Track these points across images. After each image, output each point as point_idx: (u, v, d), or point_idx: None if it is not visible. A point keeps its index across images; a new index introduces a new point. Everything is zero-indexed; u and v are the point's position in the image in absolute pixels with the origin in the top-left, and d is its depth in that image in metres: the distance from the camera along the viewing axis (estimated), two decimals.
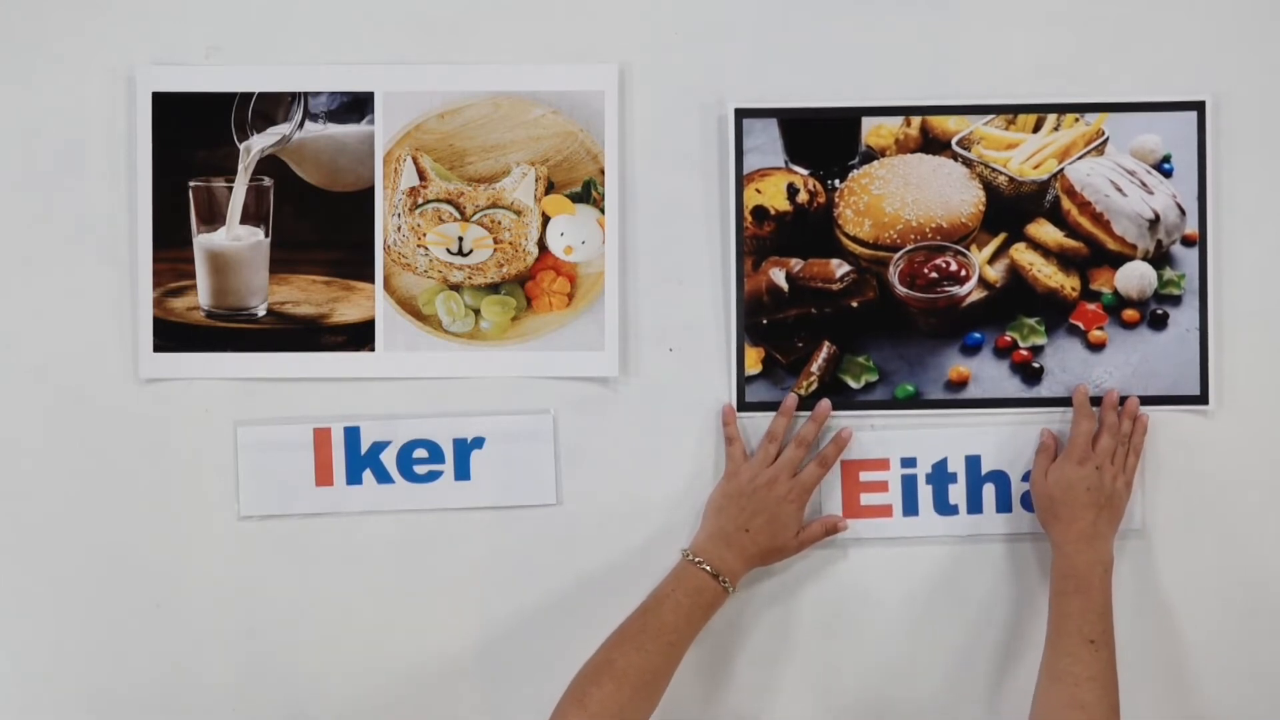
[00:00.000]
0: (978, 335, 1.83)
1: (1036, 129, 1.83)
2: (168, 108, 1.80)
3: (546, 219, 1.82)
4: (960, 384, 1.82)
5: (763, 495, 1.73)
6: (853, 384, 1.82)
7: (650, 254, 1.82)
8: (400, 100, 1.81)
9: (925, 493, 1.83)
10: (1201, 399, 1.82)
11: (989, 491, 1.83)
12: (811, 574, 1.82)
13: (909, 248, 1.82)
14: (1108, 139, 1.82)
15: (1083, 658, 1.62)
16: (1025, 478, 1.81)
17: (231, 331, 1.82)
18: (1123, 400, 1.79)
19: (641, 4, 1.81)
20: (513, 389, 1.82)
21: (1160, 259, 1.82)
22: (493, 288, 1.83)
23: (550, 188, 1.82)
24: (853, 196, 1.83)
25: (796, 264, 1.82)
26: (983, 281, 1.82)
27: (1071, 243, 1.82)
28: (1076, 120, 1.82)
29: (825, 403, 1.79)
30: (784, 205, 1.82)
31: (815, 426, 1.78)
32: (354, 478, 1.82)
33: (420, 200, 1.81)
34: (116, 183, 1.81)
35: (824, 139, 1.83)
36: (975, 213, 1.83)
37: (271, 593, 1.83)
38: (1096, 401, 1.80)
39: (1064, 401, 1.81)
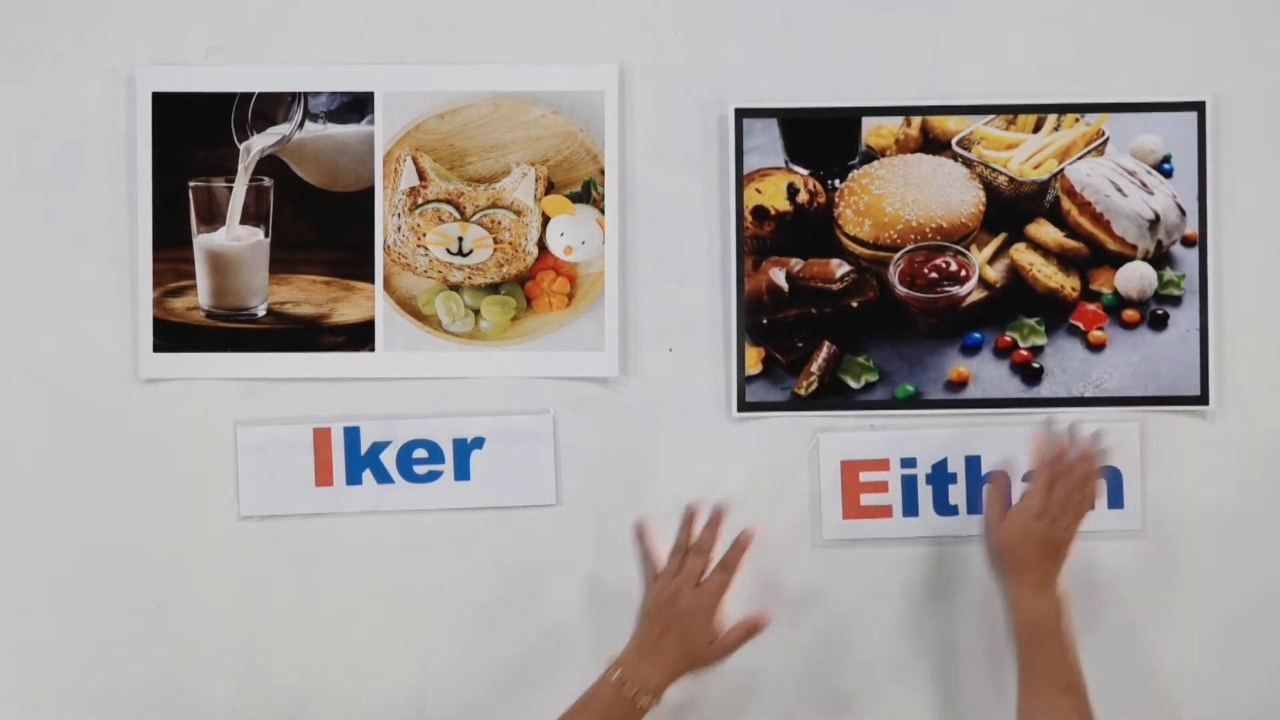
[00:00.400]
0: (978, 335, 1.83)
1: (1036, 129, 1.83)
2: (168, 108, 1.80)
3: (546, 219, 1.82)
4: (960, 384, 1.82)
5: (669, 611, 1.67)
6: (853, 384, 1.82)
7: (650, 254, 1.82)
8: (400, 100, 1.81)
9: (925, 493, 1.83)
10: (1201, 399, 1.82)
11: None
12: (811, 574, 1.82)
13: (909, 248, 1.82)
14: (1108, 139, 1.82)
15: (1061, 706, 1.62)
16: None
17: (231, 331, 1.82)
18: (1073, 431, 1.75)
19: (641, 4, 1.81)
20: (513, 389, 1.82)
21: (1160, 259, 1.82)
22: (493, 288, 1.83)
23: (550, 188, 1.82)
24: (853, 196, 1.83)
25: (796, 264, 1.83)
26: (983, 281, 1.82)
27: (1071, 243, 1.82)
28: (1076, 120, 1.82)
29: (720, 509, 1.72)
30: (784, 205, 1.82)
31: (712, 534, 1.71)
32: (354, 478, 1.82)
33: (420, 200, 1.81)
34: (116, 183, 1.81)
35: (824, 139, 1.83)
36: (975, 213, 1.83)
37: (271, 593, 1.83)
38: (1096, 402, 1.80)
39: (1064, 402, 1.81)
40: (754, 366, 1.82)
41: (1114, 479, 1.82)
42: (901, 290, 1.82)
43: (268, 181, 1.82)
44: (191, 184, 1.81)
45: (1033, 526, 1.68)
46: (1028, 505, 1.70)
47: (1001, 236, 1.83)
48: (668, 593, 1.68)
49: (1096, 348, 1.82)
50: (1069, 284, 1.82)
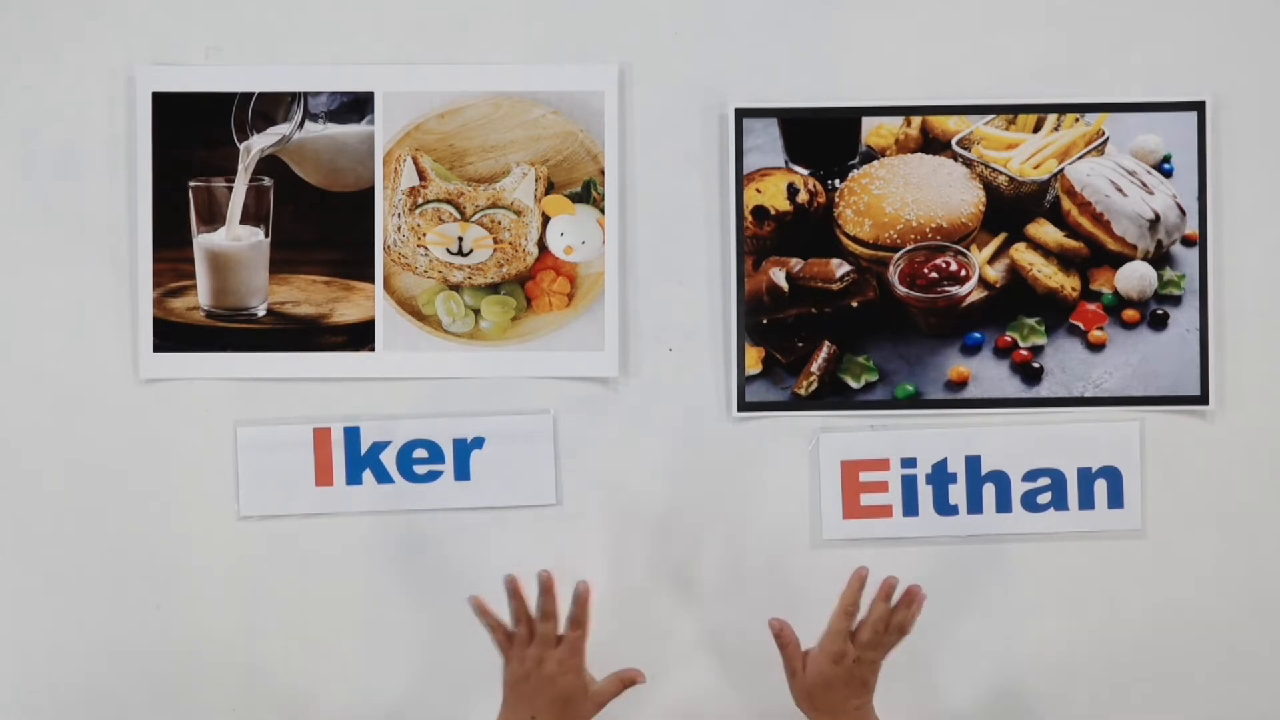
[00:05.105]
0: (978, 335, 1.83)
1: (1037, 129, 1.83)
2: (168, 108, 1.80)
3: (546, 219, 1.82)
4: (960, 384, 1.82)
5: (535, 676, 1.64)
6: (853, 384, 1.82)
7: (650, 254, 1.82)
8: (400, 100, 1.81)
9: (925, 493, 1.83)
10: (1201, 399, 1.82)
11: (989, 491, 1.83)
12: (812, 574, 1.82)
13: (909, 248, 1.82)
14: (1108, 139, 1.82)
15: None
16: (1025, 477, 1.81)
17: (231, 331, 1.82)
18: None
19: (641, 4, 1.81)
20: (513, 389, 1.82)
21: (1160, 259, 1.82)
22: (493, 288, 1.83)
23: (550, 188, 1.82)
24: (853, 196, 1.83)
25: (796, 264, 1.83)
26: (983, 281, 1.82)
27: (1071, 243, 1.82)
28: (1076, 120, 1.82)
29: (548, 575, 1.65)
30: (784, 205, 1.82)
31: (551, 599, 1.64)
32: (354, 478, 1.82)
33: (420, 200, 1.81)
34: (116, 183, 1.81)
35: (824, 139, 1.83)
36: (975, 213, 1.83)
37: (271, 593, 1.83)
38: (1096, 402, 1.80)
39: (1064, 401, 1.82)
40: (754, 366, 1.82)
41: (1114, 479, 1.82)
42: (901, 290, 1.82)
43: (268, 181, 1.82)
44: (191, 184, 1.81)
45: (832, 670, 1.63)
46: (826, 648, 1.64)
47: (1001, 236, 1.83)
48: (531, 659, 1.64)
49: (1096, 348, 1.83)
50: (1069, 284, 1.82)
